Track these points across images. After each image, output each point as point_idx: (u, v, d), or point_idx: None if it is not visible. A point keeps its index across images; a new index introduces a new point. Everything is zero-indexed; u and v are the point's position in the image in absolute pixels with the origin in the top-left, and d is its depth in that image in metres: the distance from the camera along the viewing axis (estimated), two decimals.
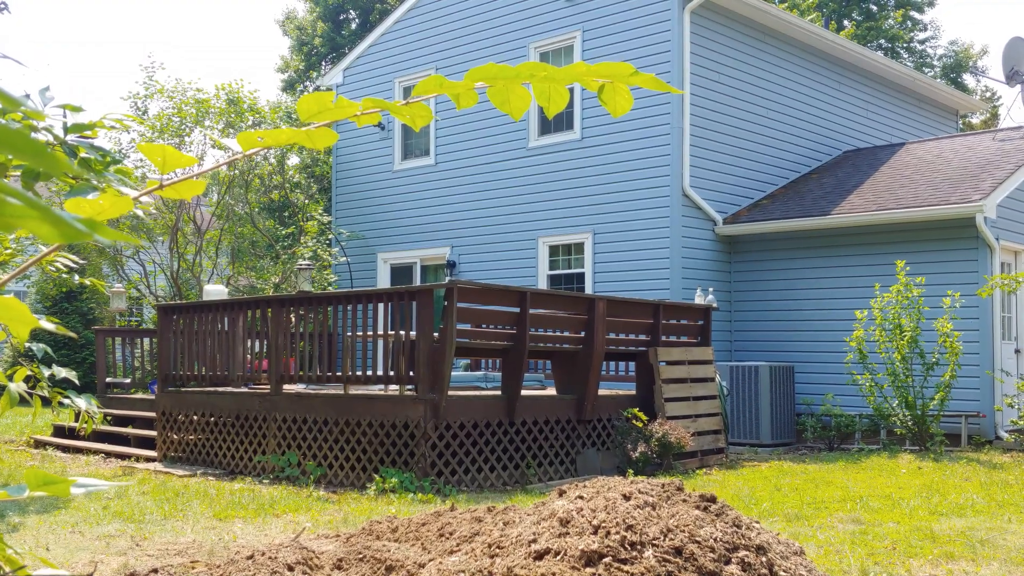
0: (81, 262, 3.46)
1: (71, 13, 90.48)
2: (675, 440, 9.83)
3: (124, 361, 13.82)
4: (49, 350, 2.73)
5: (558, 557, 3.63)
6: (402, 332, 8.86)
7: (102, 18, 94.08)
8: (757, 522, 4.11)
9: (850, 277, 13.90)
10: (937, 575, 5.22)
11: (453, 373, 9.68)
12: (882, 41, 36.03)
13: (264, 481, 9.14)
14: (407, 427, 8.64)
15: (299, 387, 10.38)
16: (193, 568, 4.78)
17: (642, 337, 11.06)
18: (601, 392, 10.44)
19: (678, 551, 3.65)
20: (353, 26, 36.19)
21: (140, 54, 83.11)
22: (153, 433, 11.17)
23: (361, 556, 4.36)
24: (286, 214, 20.67)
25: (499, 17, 16.42)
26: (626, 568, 3.53)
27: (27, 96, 1.73)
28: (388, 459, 8.76)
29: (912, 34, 37.74)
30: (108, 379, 13.25)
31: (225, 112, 18.94)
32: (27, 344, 2.76)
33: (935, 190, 13.76)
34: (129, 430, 11.62)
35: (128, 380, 13.47)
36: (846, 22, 36.25)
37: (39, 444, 12.12)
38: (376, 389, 9.79)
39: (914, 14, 37.51)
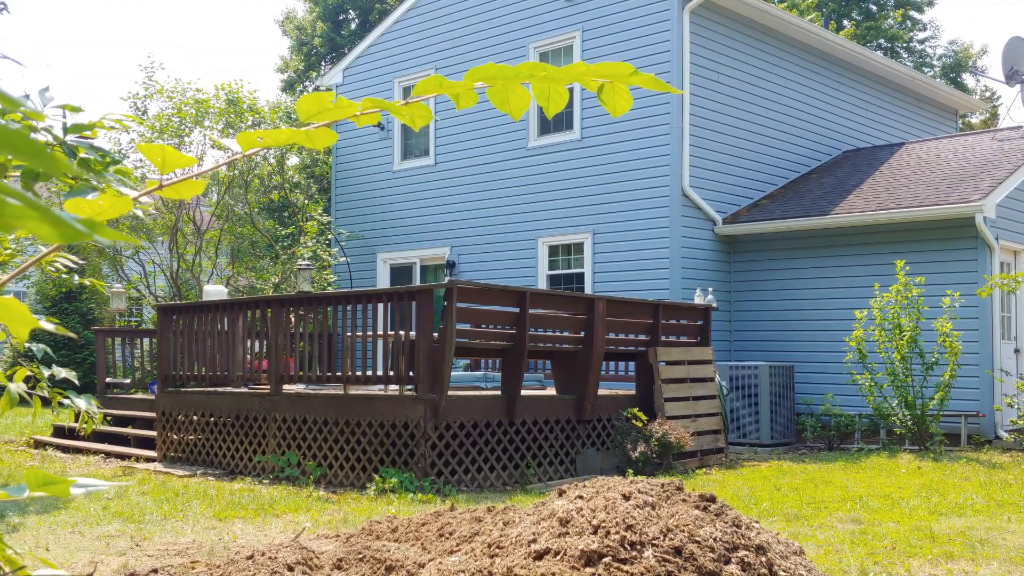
0: (81, 262, 3.46)
1: (71, 13, 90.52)
2: (675, 440, 9.83)
3: (124, 361, 13.82)
4: (49, 350, 2.73)
5: (558, 557, 3.63)
6: (402, 332, 8.86)
7: (102, 18, 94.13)
8: (757, 522, 4.12)
9: (850, 277, 13.91)
10: (937, 575, 5.22)
11: (453, 373, 9.69)
12: (882, 41, 36.02)
13: (264, 481, 9.15)
14: (407, 427, 8.64)
15: (299, 387, 10.38)
16: (193, 568, 4.78)
17: (642, 337, 11.06)
18: (601, 392, 10.45)
19: (678, 551, 3.65)
20: (353, 26, 36.19)
21: (140, 54, 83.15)
22: (153, 433, 11.18)
23: (361, 556, 4.36)
24: (286, 214, 20.67)
25: (499, 17, 16.42)
26: (626, 568, 3.53)
27: (27, 96, 1.73)
28: (388, 459, 8.76)
29: (912, 34, 37.73)
30: (108, 379, 13.25)
31: (225, 112, 18.94)
32: (27, 344, 2.76)
33: (934, 190, 13.76)
34: (129, 430, 11.62)
35: (128, 380, 13.47)
36: (846, 22, 36.24)
37: (39, 444, 12.13)
38: (376, 389, 9.79)
39: (914, 14, 37.50)
